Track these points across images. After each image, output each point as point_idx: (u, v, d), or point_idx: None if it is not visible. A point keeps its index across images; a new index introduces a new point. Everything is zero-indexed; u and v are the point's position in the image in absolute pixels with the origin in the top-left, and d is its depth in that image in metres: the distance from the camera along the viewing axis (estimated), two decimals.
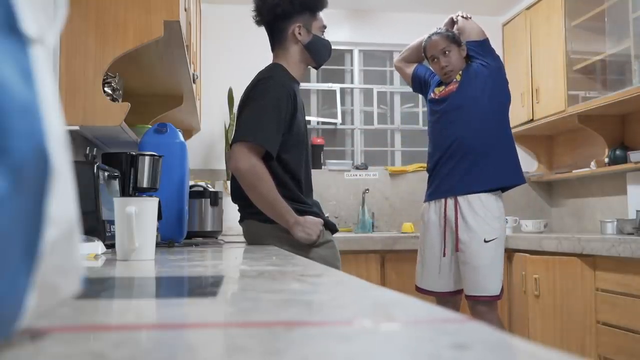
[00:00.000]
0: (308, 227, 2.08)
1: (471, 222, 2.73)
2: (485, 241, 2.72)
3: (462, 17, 2.97)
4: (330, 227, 2.21)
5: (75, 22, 2.00)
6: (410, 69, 3.18)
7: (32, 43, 0.41)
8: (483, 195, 2.76)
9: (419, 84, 3.14)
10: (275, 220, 2.08)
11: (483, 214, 2.74)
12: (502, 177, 2.80)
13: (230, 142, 2.13)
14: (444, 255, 2.83)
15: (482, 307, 2.74)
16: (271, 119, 2.04)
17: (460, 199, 2.77)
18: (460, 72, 2.88)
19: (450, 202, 2.80)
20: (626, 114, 3.81)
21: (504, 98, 2.90)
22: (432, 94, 2.97)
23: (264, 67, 2.23)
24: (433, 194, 2.90)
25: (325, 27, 2.27)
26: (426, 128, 3.16)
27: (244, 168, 2.00)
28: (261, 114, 2.04)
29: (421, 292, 2.89)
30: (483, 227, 2.73)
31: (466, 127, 2.79)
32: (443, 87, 2.92)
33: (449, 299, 2.86)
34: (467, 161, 2.78)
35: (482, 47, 2.90)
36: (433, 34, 2.92)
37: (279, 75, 2.14)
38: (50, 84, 0.43)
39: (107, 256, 1.51)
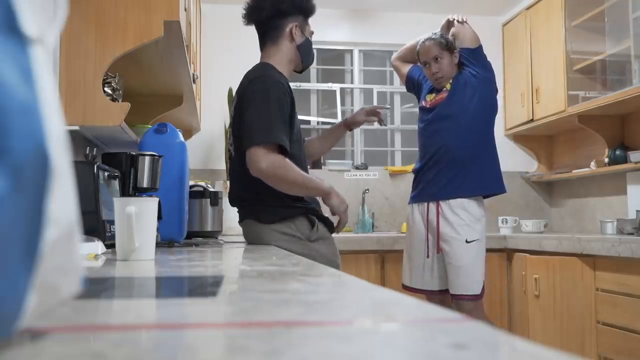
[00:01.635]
0: (341, 196, 2.16)
1: (453, 224, 2.80)
2: (467, 242, 2.79)
3: (458, 21, 2.97)
4: (329, 225, 2.22)
5: (75, 22, 1.99)
6: (405, 69, 3.22)
7: (32, 43, 0.41)
8: (465, 200, 2.83)
9: (412, 85, 3.19)
10: (313, 196, 2.15)
11: (464, 216, 2.81)
12: (483, 186, 2.88)
13: (244, 147, 2.08)
14: (427, 257, 2.90)
15: (468, 306, 2.79)
16: (278, 115, 2.04)
17: (442, 203, 2.85)
18: (450, 81, 2.91)
19: (432, 206, 2.87)
20: (626, 114, 3.81)
21: (491, 109, 2.95)
22: (423, 102, 3.01)
23: (251, 68, 2.23)
24: (417, 197, 2.98)
25: (312, 32, 2.31)
26: None
27: (266, 167, 2.01)
28: (268, 113, 2.04)
29: (408, 290, 2.96)
30: (464, 229, 2.80)
31: (451, 137, 2.84)
32: (434, 95, 2.96)
33: (438, 297, 2.91)
34: (451, 169, 2.84)
35: (473, 54, 2.92)
36: (427, 39, 2.94)
37: (273, 73, 2.14)
38: (50, 84, 0.43)
39: (107, 256, 1.51)
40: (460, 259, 2.78)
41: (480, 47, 2.94)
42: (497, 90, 2.99)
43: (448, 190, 2.83)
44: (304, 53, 2.25)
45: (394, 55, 3.33)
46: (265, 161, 2.00)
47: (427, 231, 2.89)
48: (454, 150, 2.83)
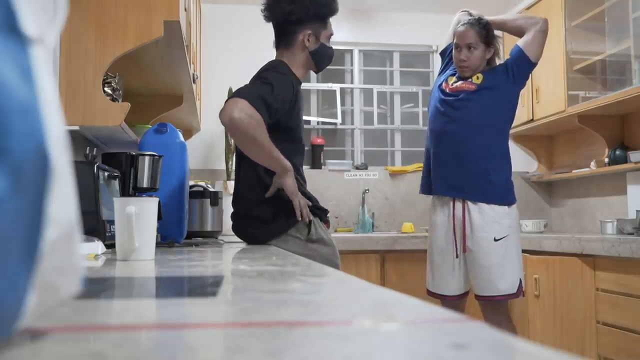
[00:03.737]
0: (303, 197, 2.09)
1: (480, 222, 2.67)
2: (495, 240, 2.65)
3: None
4: (324, 218, 2.23)
5: (75, 22, 1.99)
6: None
7: (32, 43, 0.41)
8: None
9: (447, 50, 3.00)
10: (272, 168, 2.04)
11: (492, 213, 2.67)
12: (504, 196, 2.73)
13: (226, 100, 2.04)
14: (457, 257, 2.74)
15: (492, 308, 2.70)
16: (272, 96, 2.00)
17: (467, 201, 2.71)
18: (482, 76, 2.75)
19: (459, 203, 2.72)
20: (626, 114, 3.81)
21: (511, 118, 2.83)
22: (444, 84, 2.84)
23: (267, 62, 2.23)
24: (438, 188, 2.78)
25: (332, 34, 2.27)
26: (426, 128, 3.03)
27: (239, 116, 1.90)
28: (264, 88, 2.01)
29: (433, 296, 2.81)
30: (492, 226, 2.66)
31: (472, 132, 2.70)
32: (456, 79, 2.80)
33: (456, 302, 2.78)
34: (467, 165, 2.70)
35: (525, 63, 2.76)
36: (467, 23, 2.77)
37: (284, 70, 2.14)
38: (50, 84, 0.43)
39: (107, 256, 1.51)
40: (487, 259, 2.64)
41: (535, 65, 2.79)
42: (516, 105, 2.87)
43: (466, 192, 2.69)
44: (318, 59, 2.23)
45: (463, 15, 2.96)
46: (242, 111, 1.90)
47: (454, 230, 2.73)
48: (471, 148, 2.69)
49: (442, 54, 3.07)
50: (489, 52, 2.79)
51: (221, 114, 1.94)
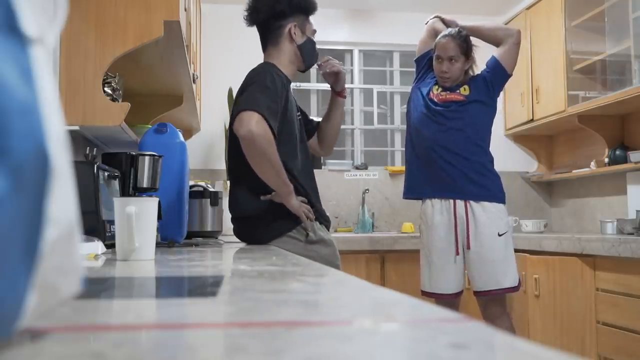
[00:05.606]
0: (304, 204, 2.13)
1: (484, 218, 2.74)
2: (499, 235, 2.74)
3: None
4: (326, 220, 2.24)
5: (75, 22, 1.99)
6: (432, 42, 2.99)
7: (32, 43, 0.41)
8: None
9: (424, 59, 3.04)
10: (277, 188, 2.07)
11: (494, 209, 2.76)
12: (497, 194, 2.82)
13: (232, 112, 2.09)
14: (458, 254, 2.79)
15: (493, 301, 2.76)
16: (274, 102, 2.04)
17: (470, 200, 2.78)
18: (468, 87, 2.84)
19: (460, 202, 2.78)
20: (626, 114, 3.81)
21: (492, 123, 2.93)
22: (431, 93, 2.89)
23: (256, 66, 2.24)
24: (438, 192, 2.83)
25: (315, 31, 2.29)
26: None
27: (256, 131, 1.94)
28: (266, 94, 2.03)
29: (428, 295, 2.83)
30: (495, 222, 2.75)
31: (466, 139, 2.79)
32: (440, 89, 2.87)
33: (452, 300, 2.82)
34: (467, 170, 2.78)
35: (502, 75, 2.85)
36: (449, 35, 2.84)
37: (273, 70, 2.15)
38: (50, 84, 0.43)
39: (107, 256, 1.51)
40: (492, 254, 2.72)
41: (510, 76, 2.88)
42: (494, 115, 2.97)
43: (470, 192, 2.77)
44: (305, 53, 2.24)
45: (437, 21, 3.06)
46: (257, 126, 1.95)
47: (456, 227, 2.78)
48: (470, 152, 2.78)
49: (418, 61, 3.11)
50: (468, 63, 2.88)
51: (238, 126, 1.97)
